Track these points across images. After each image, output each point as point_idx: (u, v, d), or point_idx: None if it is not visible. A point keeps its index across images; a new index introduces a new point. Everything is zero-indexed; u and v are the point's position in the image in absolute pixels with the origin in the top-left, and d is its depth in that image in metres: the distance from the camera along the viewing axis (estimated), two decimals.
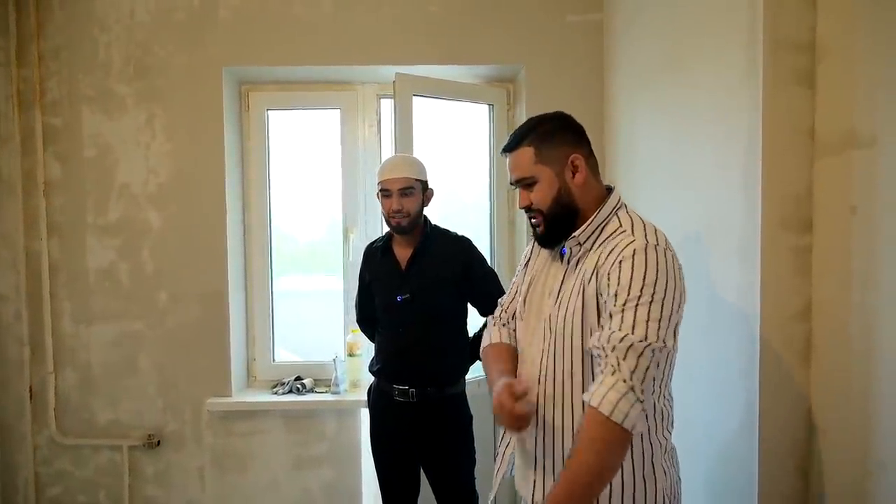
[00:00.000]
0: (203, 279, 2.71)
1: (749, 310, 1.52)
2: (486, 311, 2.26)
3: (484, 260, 2.28)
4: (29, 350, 2.72)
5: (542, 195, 1.33)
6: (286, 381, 2.82)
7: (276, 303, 2.97)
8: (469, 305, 2.26)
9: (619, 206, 1.35)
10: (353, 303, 2.41)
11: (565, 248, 1.36)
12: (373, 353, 2.30)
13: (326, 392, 2.77)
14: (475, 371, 2.38)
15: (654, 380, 1.17)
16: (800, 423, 1.49)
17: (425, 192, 2.17)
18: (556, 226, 1.34)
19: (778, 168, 1.47)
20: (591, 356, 1.25)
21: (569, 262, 1.35)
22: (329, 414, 2.76)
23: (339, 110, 2.90)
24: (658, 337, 1.16)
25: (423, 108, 2.65)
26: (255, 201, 2.91)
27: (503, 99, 2.88)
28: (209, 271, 2.70)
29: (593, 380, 1.21)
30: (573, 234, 1.33)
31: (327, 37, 2.66)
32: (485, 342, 1.56)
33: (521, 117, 2.74)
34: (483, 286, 2.20)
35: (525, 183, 1.35)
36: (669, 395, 1.33)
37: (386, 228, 2.26)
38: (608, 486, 1.25)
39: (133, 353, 2.74)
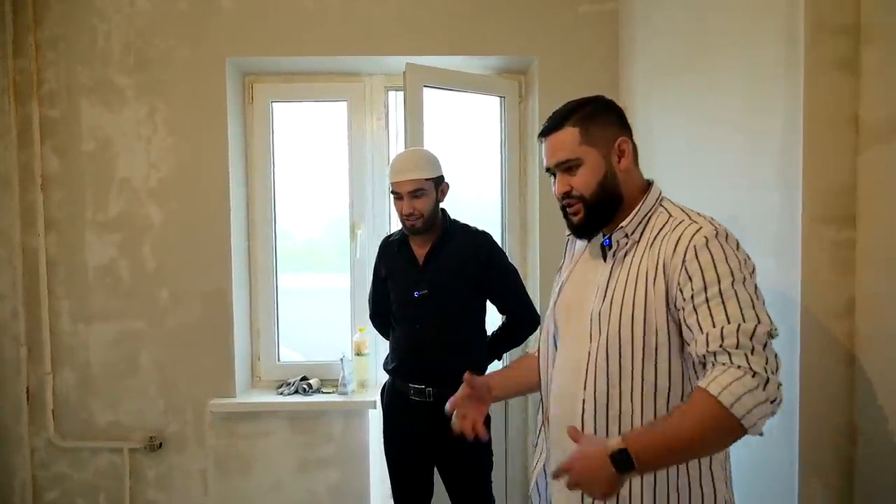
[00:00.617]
0: (206, 276, 2.64)
1: (788, 307, 1.45)
2: (505, 308, 2.20)
3: (505, 255, 2.21)
4: (26, 349, 2.65)
5: (585, 179, 1.25)
6: (292, 381, 2.76)
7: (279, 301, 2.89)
8: (488, 303, 2.18)
9: (661, 197, 1.28)
10: (359, 301, 2.33)
11: (608, 241, 1.28)
12: (386, 352, 2.23)
13: (333, 392, 2.71)
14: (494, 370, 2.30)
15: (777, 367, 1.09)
16: (842, 427, 1.42)
17: (440, 187, 2.10)
18: (598, 214, 1.26)
19: (820, 159, 1.40)
20: (689, 364, 1.18)
21: (614, 256, 1.27)
22: (336, 415, 2.70)
23: (345, 102, 2.83)
24: (769, 319, 1.10)
25: (432, 101, 2.58)
26: (258, 196, 2.83)
27: (514, 91, 2.81)
28: (212, 268, 2.64)
29: (655, 385, 1.17)
30: (621, 225, 1.25)
31: (334, 26, 2.59)
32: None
33: (534, 110, 2.68)
34: (503, 283, 2.13)
35: (567, 166, 1.26)
36: None
37: (397, 226, 2.19)
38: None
39: (134, 352, 2.67)
